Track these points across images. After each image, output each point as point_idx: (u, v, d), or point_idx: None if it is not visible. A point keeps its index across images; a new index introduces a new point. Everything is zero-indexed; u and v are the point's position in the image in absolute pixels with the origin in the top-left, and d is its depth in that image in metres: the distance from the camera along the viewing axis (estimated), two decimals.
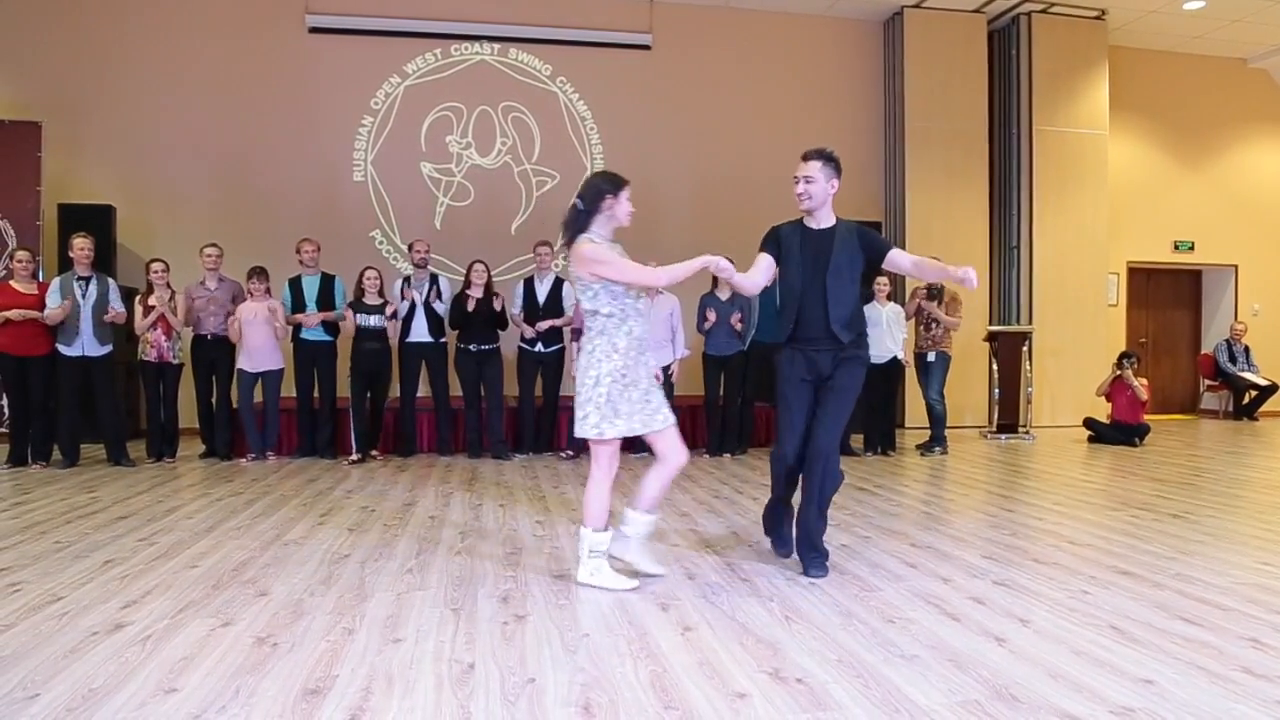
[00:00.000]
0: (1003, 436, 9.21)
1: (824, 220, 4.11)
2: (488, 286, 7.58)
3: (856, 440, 8.09)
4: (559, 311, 7.72)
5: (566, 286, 7.80)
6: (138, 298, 7.22)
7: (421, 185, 9.69)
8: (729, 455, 7.78)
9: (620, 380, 3.61)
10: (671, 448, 3.70)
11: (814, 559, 3.82)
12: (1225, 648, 2.90)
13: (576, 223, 3.79)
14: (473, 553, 4.17)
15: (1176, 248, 12.04)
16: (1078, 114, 10.74)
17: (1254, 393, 11.70)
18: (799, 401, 3.91)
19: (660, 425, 3.66)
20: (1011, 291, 10.61)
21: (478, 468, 7.02)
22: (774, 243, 4.12)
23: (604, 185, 3.77)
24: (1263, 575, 3.82)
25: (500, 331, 7.64)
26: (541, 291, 7.73)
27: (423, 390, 7.77)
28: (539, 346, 7.65)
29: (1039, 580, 3.74)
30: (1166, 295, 12.65)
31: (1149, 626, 3.12)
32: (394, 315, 7.41)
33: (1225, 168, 12.21)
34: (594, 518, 3.63)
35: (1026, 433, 9.32)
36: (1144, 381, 8.96)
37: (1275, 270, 12.38)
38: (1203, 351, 12.56)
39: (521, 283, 7.85)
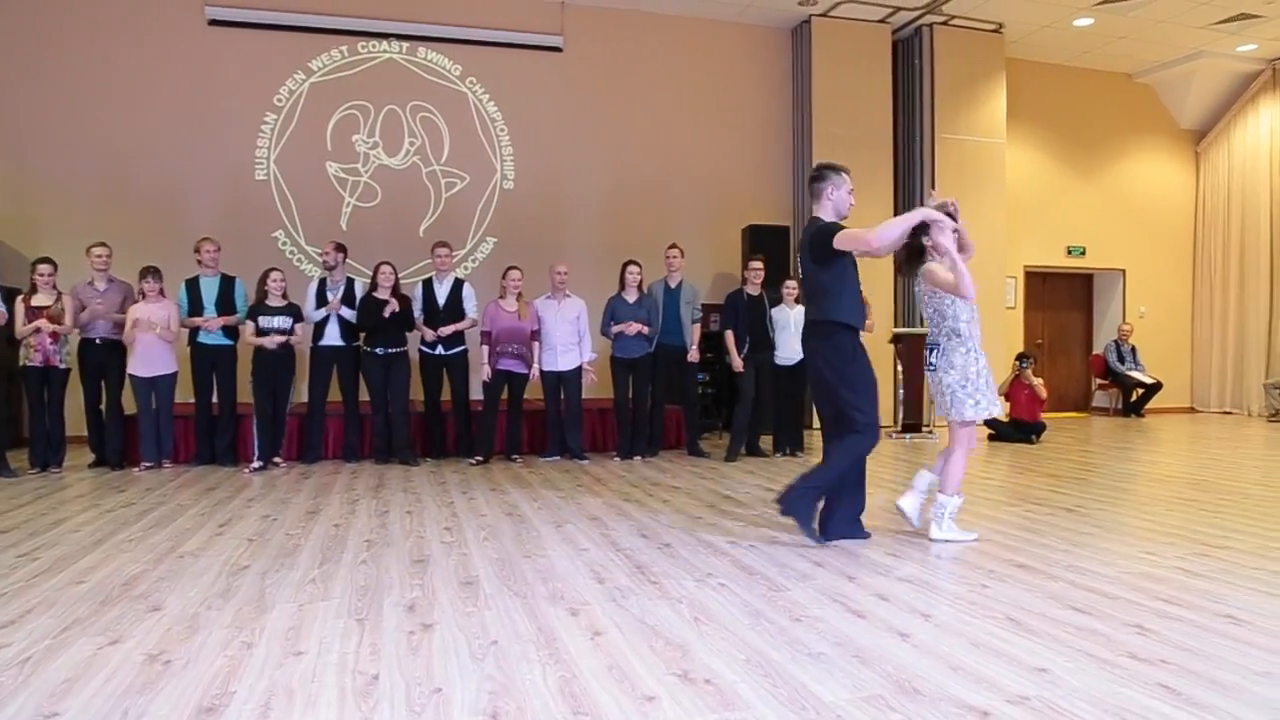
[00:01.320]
0: (907, 436, 9.46)
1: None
2: (395, 289, 7.44)
3: (765, 441, 8.19)
4: (459, 314, 7.63)
5: (467, 288, 7.70)
6: (19, 299, 6.85)
7: (327, 185, 9.46)
8: (639, 458, 7.80)
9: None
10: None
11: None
12: (1113, 634, 3.03)
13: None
14: (378, 561, 4.07)
15: (1070, 252, 12.56)
16: (977, 123, 11.11)
17: (1140, 391, 12.28)
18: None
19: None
20: (915, 295, 10.87)
21: (384, 474, 6.88)
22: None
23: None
24: (1146, 564, 4.00)
25: (407, 334, 7.51)
26: (441, 293, 7.62)
27: (330, 395, 7.59)
28: (440, 349, 7.54)
29: (940, 575, 3.85)
30: (1061, 298, 13.18)
31: (1043, 617, 3.23)
32: (295, 321, 7.20)
33: (1114, 177, 12.79)
34: (955, 484, 4.48)
35: (930, 432, 9.59)
36: (1041, 381, 9.32)
37: (1160, 274, 13.03)
38: (1094, 352, 13.14)
39: (420, 284, 7.73)
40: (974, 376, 4.49)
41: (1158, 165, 13.07)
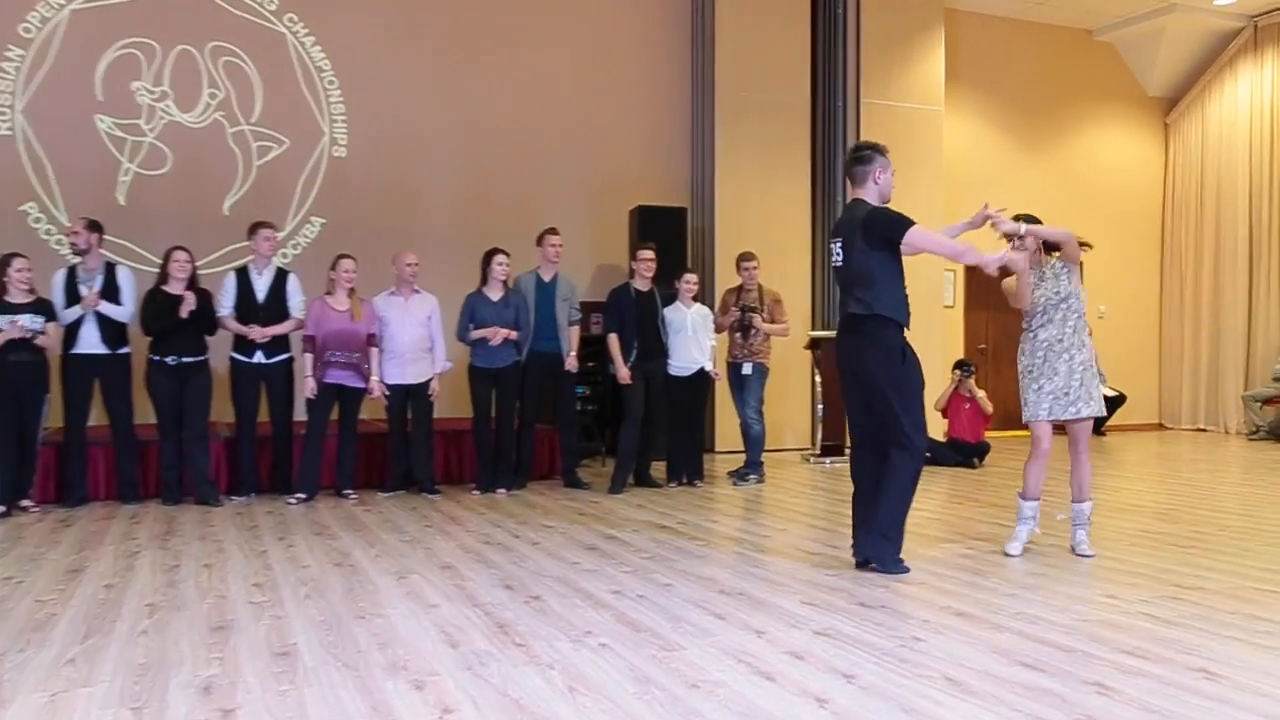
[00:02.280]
0: (827, 460, 9.65)
1: None
2: (193, 282, 7.21)
3: (658, 470, 8.24)
4: (283, 313, 7.45)
5: (293, 280, 7.54)
6: None
7: (97, 145, 9.09)
8: (504, 491, 7.74)
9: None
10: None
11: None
12: (1069, 694, 3.14)
13: None
14: (164, 630, 3.93)
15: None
16: (910, 86, 11.46)
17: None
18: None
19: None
20: (836, 291, 11.11)
21: (176, 517, 6.67)
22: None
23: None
24: (1107, 610, 4.18)
25: (208, 338, 7.29)
26: (261, 287, 7.42)
27: (96, 417, 7.29)
28: (259, 356, 7.35)
29: (865, 627, 3.92)
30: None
31: (986, 675, 3.33)
32: (46, 320, 6.88)
33: (1070, 152, 13.40)
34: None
35: None
36: (984, 394, 9.66)
37: (1122, 267, 13.67)
38: None
39: (232, 275, 7.51)
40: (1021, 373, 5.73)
41: (1120, 139, 13.75)
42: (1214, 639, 3.74)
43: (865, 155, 5.06)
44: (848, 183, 5.18)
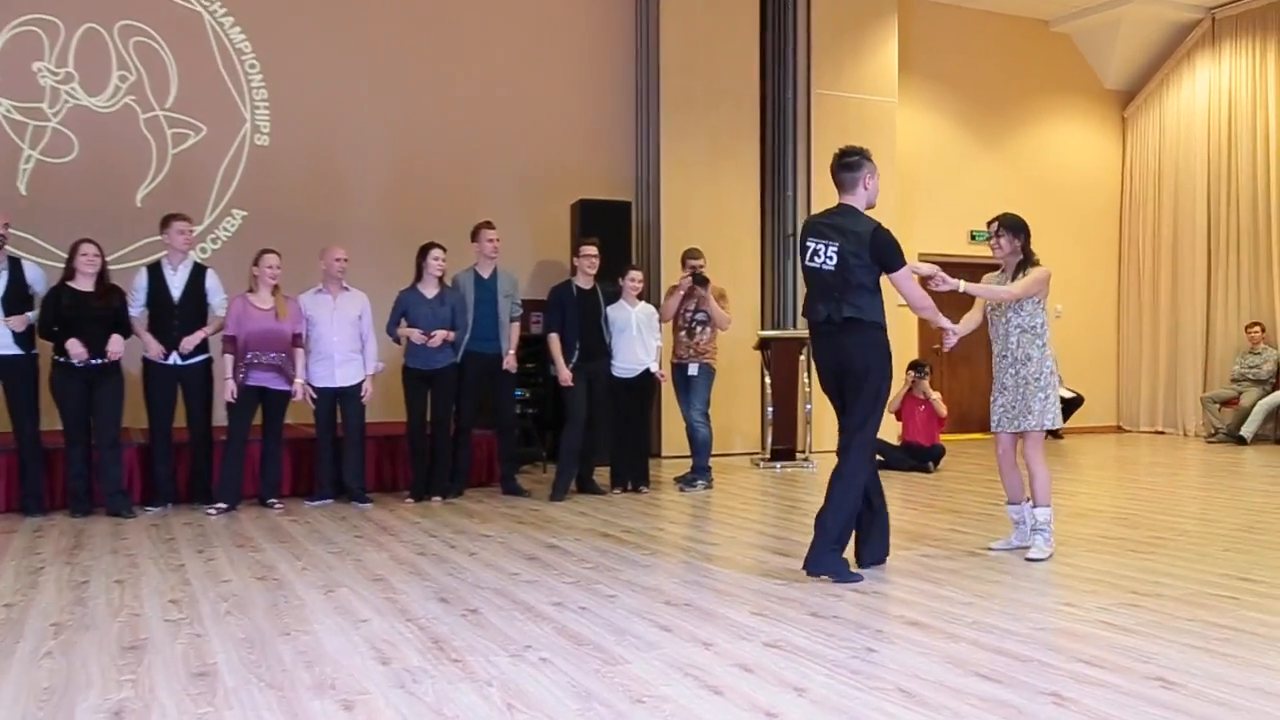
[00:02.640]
0: (778, 465, 9.72)
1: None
2: (102, 277, 7.09)
3: (601, 475, 8.25)
4: (202, 311, 7.36)
5: (212, 277, 7.45)
6: None
7: None
8: (439, 499, 7.72)
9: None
10: None
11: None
12: (1025, 705, 3.18)
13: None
14: (71, 651, 3.86)
15: (973, 238, 13.23)
16: (863, 77, 11.58)
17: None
18: None
19: None
20: (787, 289, 11.23)
21: (85, 530, 6.55)
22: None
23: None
24: (1064, 618, 4.25)
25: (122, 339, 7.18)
26: (175, 284, 7.33)
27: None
28: (174, 359, 7.26)
29: (816, 639, 3.95)
30: (963, 294, 13.81)
31: (941, 686, 3.37)
32: None
33: (1026, 145, 13.61)
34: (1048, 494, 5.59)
35: (806, 460, 9.89)
36: (939, 395, 9.77)
37: (1080, 265, 13.91)
38: None
39: (143, 272, 7.40)
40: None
41: (1078, 132, 14.00)
42: (1171, 646, 3.81)
43: (854, 161, 5.25)
44: (834, 187, 5.39)
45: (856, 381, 5.09)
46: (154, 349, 7.18)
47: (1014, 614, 4.31)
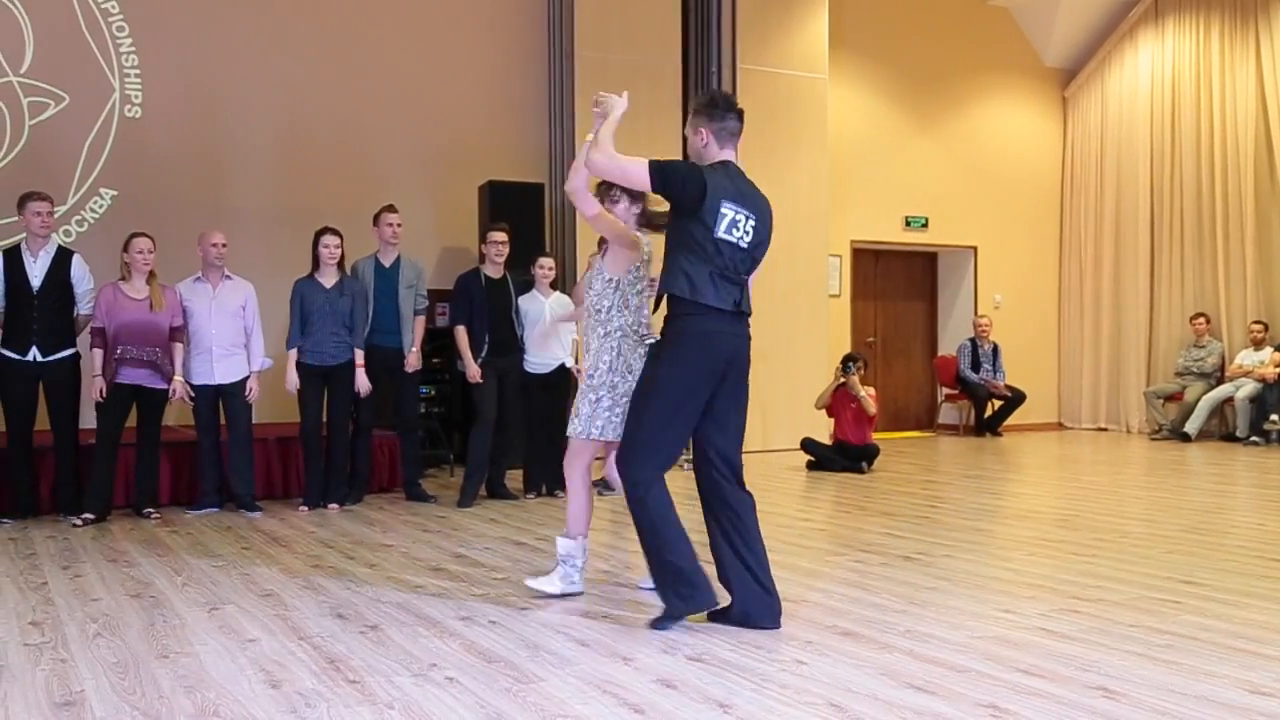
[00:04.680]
0: None
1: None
2: None
3: (514, 479, 8.24)
4: (67, 300, 7.21)
5: (78, 263, 7.29)
6: None
7: None
8: (336, 506, 7.68)
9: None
10: None
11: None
12: (961, 718, 3.25)
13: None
14: None
15: (908, 224, 13.44)
16: (791, 51, 11.68)
17: (998, 403, 13.31)
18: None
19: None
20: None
21: None
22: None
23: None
24: (1003, 625, 4.34)
25: None
26: (35, 271, 7.17)
27: None
28: (35, 354, 7.11)
29: (743, 651, 3.99)
30: (897, 283, 14.08)
31: (874, 699, 3.43)
32: None
33: (963, 126, 13.84)
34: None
35: None
36: (871, 391, 9.90)
37: (1016, 252, 14.21)
38: (941, 353, 14.09)
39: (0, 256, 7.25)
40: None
41: (1017, 113, 14.27)
42: (1113, 654, 3.91)
43: (741, 111, 4.80)
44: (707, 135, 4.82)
45: (741, 381, 4.61)
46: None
47: (950, 622, 4.39)
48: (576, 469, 4.99)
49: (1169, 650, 3.96)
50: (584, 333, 5.11)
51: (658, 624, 4.38)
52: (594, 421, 4.82)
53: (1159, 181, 13.55)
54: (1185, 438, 12.25)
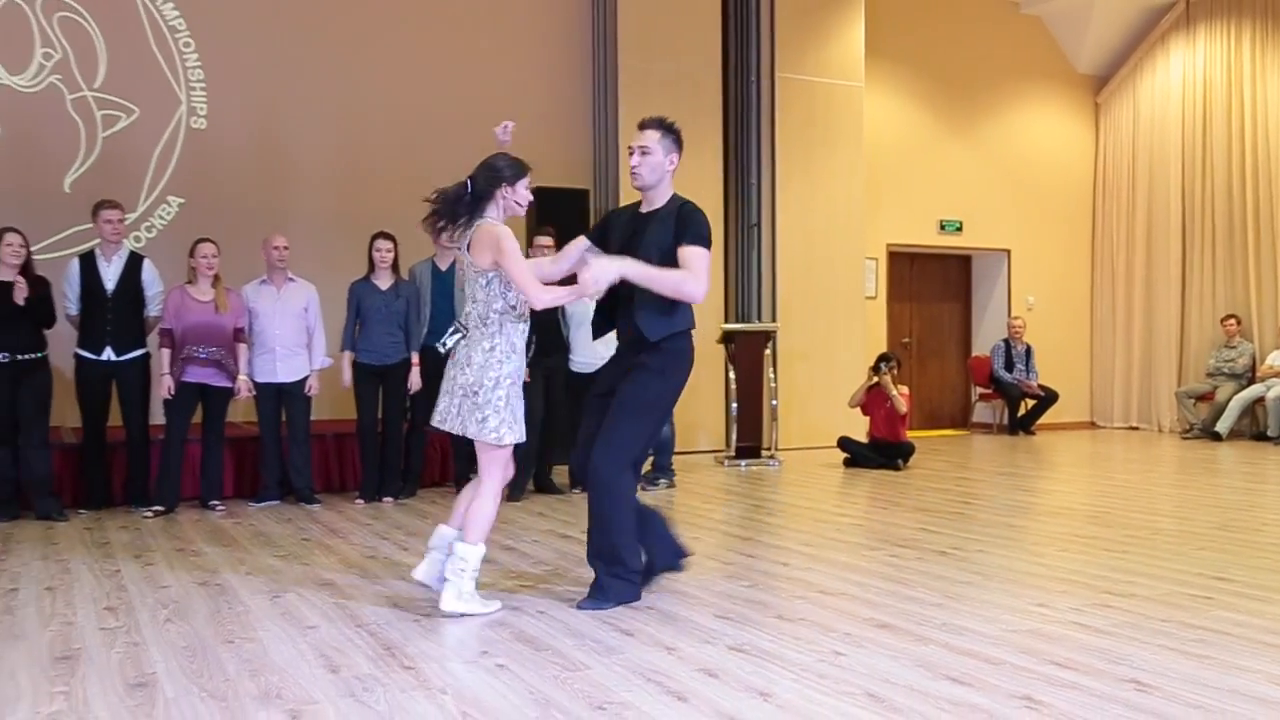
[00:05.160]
0: (742, 463, 9.77)
1: (656, 201, 4.76)
2: (27, 268, 7.02)
3: (560, 475, 8.26)
4: (138, 303, 7.32)
5: (149, 268, 7.40)
6: None
7: None
8: (390, 500, 7.72)
9: (519, 383, 4.59)
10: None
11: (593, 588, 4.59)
12: (996, 709, 3.23)
13: (472, 206, 4.75)
14: None
15: (943, 228, 13.36)
16: (828, 60, 11.62)
17: (1031, 403, 13.20)
18: (592, 415, 4.75)
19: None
20: (751, 280, 11.27)
21: (13, 535, 6.50)
22: (600, 227, 5.00)
23: (504, 170, 4.90)
24: (1037, 619, 4.31)
25: (47, 333, 7.11)
26: (109, 275, 7.27)
27: None
28: (109, 354, 7.20)
29: (783, 642, 3.99)
30: (932, 285, 14.00)
31: (911, 690, 3.41)
32: None
33: (997, 132, 13.72)
34: (481, 532, 4.50)
35: (771, 457, 9.94)
36: (904, 390, 9.85)
37: (1049, 255, 14.08)
38: (974, 353, 14.01)
39: (75, 263, 7.33)
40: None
41: (1050, 119, 14.13)
42: (1146, 648, 3.88)
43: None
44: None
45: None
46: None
47: (985, 615, 4.36)
48: None
49: (1201, 645, 3.92)
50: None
51: (585, 604, 4.54)
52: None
53: (1190, 185, 13.36)
54: (1216, 437, 12.09)
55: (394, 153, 10.19)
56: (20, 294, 6.84)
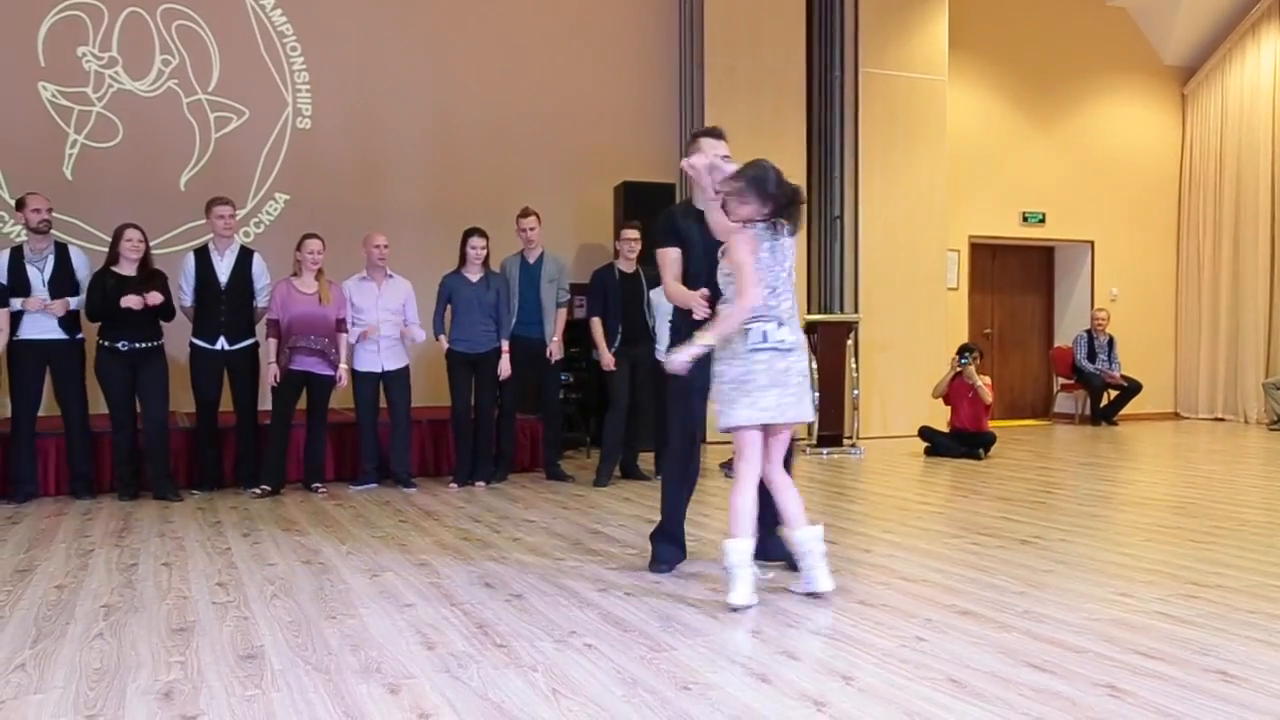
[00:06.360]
0: (824, 451, 9.70)
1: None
2: (145, 262, 7.19)
3: (646, 461, 8.27)
4: (248, 294, 7.46)
5: (258, 261, 7.54)
6: None
7: (41, 115, 9.05)
8: (483, 484, 7.78)
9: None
10: None
11: None
12: (1079, 697, 3.17)
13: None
14: (121, 633, 3.93)
15: (1026, 220, 13.12)
16: (912, 55, 11.47)
17: (1114, 393, 12.93)
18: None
19: None
20: (834, 272, 11.18)
21: (133, 513, 6.66)
22: (673, 233, 4.96)
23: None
24: (1120, 608, 4.21)
25: (164, 323, 7.27)
26: (223, 268, 7.43)
27: (45, 407, 7.27)
28: (222, 342, 7.35)
29: (865, 627, 3.95)
30: (1014, 277, 13.76)
31: (993, 676, 3.36)
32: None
33: (1081, 125, 13.44)
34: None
35: (853, 446, 9.86)
36: (987, 380, 9.69)
37: (1133, 246, 13.76)
38: (1057, 344, 13.75)
39: (191, 256, 7.50)
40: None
41: (1135, 111, 13.79)
42: (1232, 639, 3.77)
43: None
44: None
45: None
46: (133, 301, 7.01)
47: (1068, 604, 4.28)
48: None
49: None
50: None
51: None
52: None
53: None
54: None
55: (486, 151, 10.28)
56: (134, 302, 6.97)
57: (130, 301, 6.95)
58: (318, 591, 4.56)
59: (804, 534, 4.43)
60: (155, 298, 7.04)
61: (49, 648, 3.75)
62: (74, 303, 7.13)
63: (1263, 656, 3.57)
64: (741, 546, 4.25)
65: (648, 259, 8.11)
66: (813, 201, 11.19)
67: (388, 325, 7.65)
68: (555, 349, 8.01)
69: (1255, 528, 6.05)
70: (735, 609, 4.16)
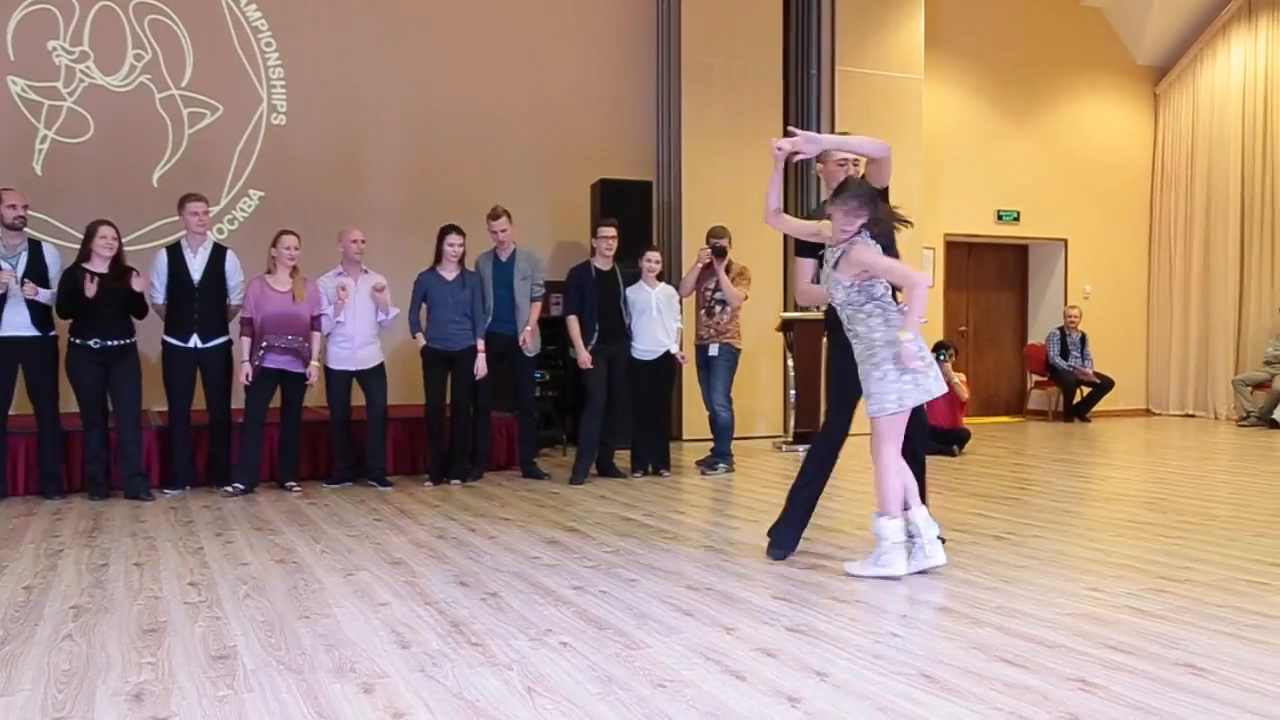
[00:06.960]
0: (800, 448, 9.69)
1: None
2: (118, 259, 7.13)
3: (622, 459, 8.26)
4: (221, 292, 7.40)
5: (232, 258, 7.49)
6: None
7: (9, 109, 8.97)
8: (458, 482, 7.75)
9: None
10: None
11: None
12: (1050, 691, 3.20)
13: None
14: (90, 634, 3.90)
15: (1000, 218, 13.19)
16: (889, 53, 11.51)
17: (1086, 390, 13.02)
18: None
19: None
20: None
21: (103, 513, 6.60)
22: (802, 247, 5.72)
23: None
24: (1091, 603, 4.25)
25: (137, 321, 7.22)
26: (196, 265, 7.36)
27: (16, 406, 7.21)
28: (195, 340, 7.30)
29: (839, 623, 3.97)
30: (989, 274, 13.83)
31: (965, 672, 3.38)
32: None
33: (1055, 123, 13.52)
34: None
35: None
36: (963, 377, 9.75)
37: (1106, 245, 13.86)
38: (1030, 341, 13.85)
39: (163, 254, 7.44)
40: None
41: (1108, 110, 13.89)
42: (1201, 633, 3.81)
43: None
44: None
45: None
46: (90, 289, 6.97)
47: (1040, 599, 4.31)
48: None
49: (1257, 630, 3.85)
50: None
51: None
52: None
53: (1250, 175, 13.10)
54: (1273, 424, 11.88)
55: (463, 148, 10.26)
56: (90, 286, 6.89)
57: (89, 288, 6.86)
58: (291, 591, 4.54)
59: (920, 512, 4.88)
60: (140, 282, 6.98)
61: (16, 650, 3.72)
62: (44, 295, 7.04)
63: (1230, 650, 3.60)
64: (899, 525, 4.75)
65: (624, 257, 8.16)
66: (789, 199, 11.19)
67: (364, 321, 7.61)
68: (529, 338, 7.97)
69: (1224, 523, 6.10)
70: (898, 578, 4.64)
